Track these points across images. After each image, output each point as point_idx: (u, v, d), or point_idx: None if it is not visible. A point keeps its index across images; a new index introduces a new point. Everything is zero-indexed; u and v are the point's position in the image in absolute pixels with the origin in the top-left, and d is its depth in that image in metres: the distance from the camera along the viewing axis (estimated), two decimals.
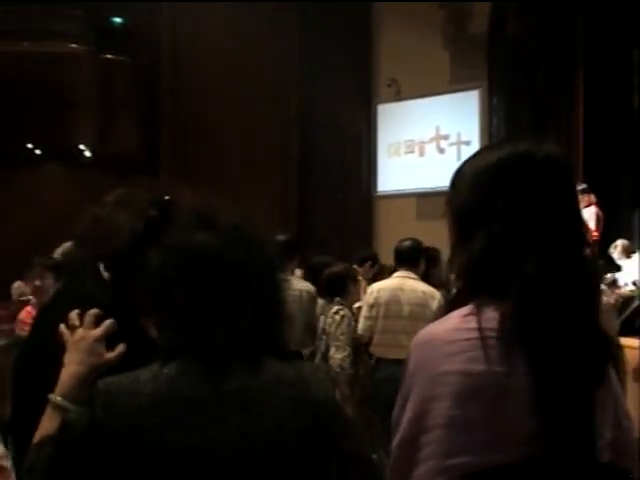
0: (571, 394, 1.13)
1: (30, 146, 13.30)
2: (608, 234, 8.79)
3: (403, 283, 5.01)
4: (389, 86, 12.35)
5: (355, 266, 6.26)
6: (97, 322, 1.54)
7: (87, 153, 13.57)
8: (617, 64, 10.56)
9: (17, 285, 9.05)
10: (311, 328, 5.03)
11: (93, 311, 1.54)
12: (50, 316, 1.81)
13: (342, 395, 4.23)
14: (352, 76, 12.55)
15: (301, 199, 13.05)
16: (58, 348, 1.53)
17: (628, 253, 8.15)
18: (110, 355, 1.50)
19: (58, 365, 1.51)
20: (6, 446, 1.66)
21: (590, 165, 9.69)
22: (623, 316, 6.45)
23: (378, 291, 5.05)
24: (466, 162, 1.29)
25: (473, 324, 1.15)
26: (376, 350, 5.00)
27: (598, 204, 8.78)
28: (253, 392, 1.31)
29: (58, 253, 4.30)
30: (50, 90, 12.61)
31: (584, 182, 8.42)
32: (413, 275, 5.04)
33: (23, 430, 1.49)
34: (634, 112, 10.60)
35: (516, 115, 10.62)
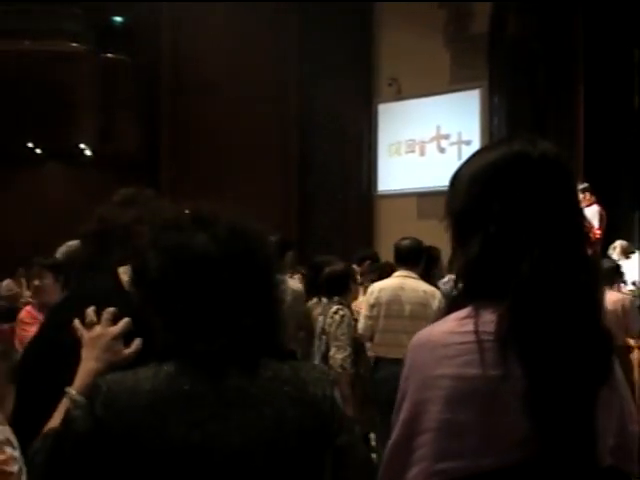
0: (567, 397, 1.11)
1: (30, 145, 13.31)
2: (608, 234, 8.80)
3: (404, 283, 5.00)
4: (390, 85, 12.36)
5: (354, 265, 6.26)
6: (114, 321, 1.55)
7: (87, 152, 13.58)
8: (617, 64, 10.56)
9: (6, 283, 9.06)
10: (299, 327, 5.10)
11: (110, 309, 1.55)
12: (63, 313, 1.82)
13: (343, 395, 4.22)
14: (352, 76, 12.55)
15: (301, 199, 13.05)
16: (71, 343, 1.55)
17: (627, 254, 8.16)
18: (127, 352, 1.51)
19: (70, 360, 1.52)
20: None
21: (591, 165, 9.70)
22: None
23: (379, 291, 5.04)
24: (464, 164, 1.28)
25: (469, 327, 1.14)
26: (377, 349, 4.99)
27: (600, 203, 8.79)
28: (252, 390, 1.31)
29: (60, 252, 4.28)
30: (50, 89, 12.62)
31: (585, 181, 8.43)
32: (414, 274, 5.03)
33: (26, 425, 1.50)
34: (634, 112, 10.61)
35: (516, 115, 10.63)
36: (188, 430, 1.26)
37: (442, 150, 12.00)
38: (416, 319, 4.80)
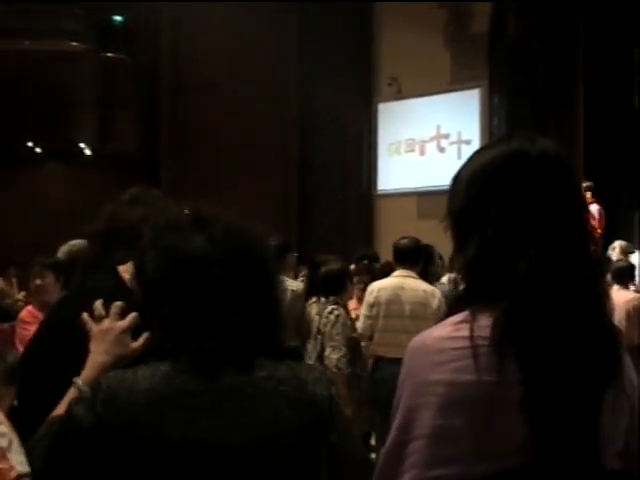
0: (567, 401, 1.08)
1: (30, 145, 13.30)
2: (608, 234, 8.81)
3: (403, 282, 5.00)
4: (390, 85, 12.36)
5: (353, 265, 6.26)
6: (121, 315, 1.57)
7: (87, 152, 13.57)
8: (617, 64, 10.57)
9: None
10: (298, 327, 5.17)
11: (118, 303, 1.57)
12: (63, 311, 1.82)
13: (339, 395, 4.21)
14: (352, 76, 12.56)
15: (301, 199, 13.05)
16: (72, 339, 1.56)
17: (626, 254, 8.15)
18: (135, 345, 1.53)
19: (71, 356, 1.54)
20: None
21: (590, 165, 9.69)
22: None
23: (378, 290, 5.04)
24: (464, 163, 1.26)
25: (465, 332, 1.12)
26: (377, 349, 5.00)
27: (600, 203, 8.80)
28: (247, 389, 1.32)
29: (62, 252, 4.28)
30: (50, 89, 12.62)
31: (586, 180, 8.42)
32: (413, 274, 5.03)
33: (29, 422, 1.51)
34: (634, 112, 10.61)
35: (516, 114, 10.64)
36: (184, 428, 1.27)
37: (442, 150, 12.00)
38: (416, 319, 4.80)
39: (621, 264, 6.33)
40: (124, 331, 1.53)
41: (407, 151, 12.49)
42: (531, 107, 10.54)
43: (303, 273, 6.41)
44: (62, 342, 1.69)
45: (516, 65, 10.63)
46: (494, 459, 1.08)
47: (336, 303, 4.87)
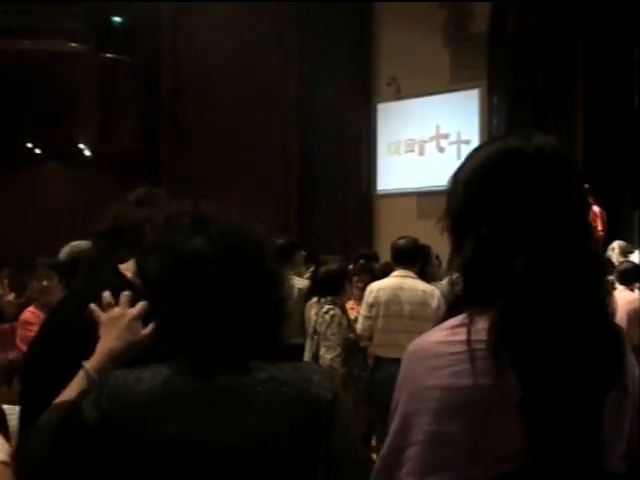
0: (566, 404, 1.06)
1: (30, 145, 13.30)
2: (608, 234, 8.79)
3: (403, 282, 5.00)
4: (389, 85, 12.35)
5: (351, 265, 6.27)
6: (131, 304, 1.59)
7: (87, 152, 13.57)
8: (617, 64, 10.56)
9: None
10: (301, 323, 5.23)
11: (127, 292, 1.59)
12: (64, 310, 1.83)
13: None
14: (352, 76, 12.55)
15: (301, 199, 13.05)
16: (84, 330, 1.56)
17: (626, 254, 8.15)
18: (145, 331, 1.54)
19: (81, 346, 1.54)
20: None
21: (590, 165, 9.69)
22: None
23: (377, 290, 5.04)
24: (462, 163, 1.24)
25: (462, 336, 1.10)
26: (376, 350, 5.00)
27: (600, 203, 8.79)
28: (244, 389, 1.33)
29: (64, 252, 4.28)
30: (50, 89, 12.61)
31: (585, 181, 8.40)
32: (412, 274, 5.03)
33: (33, 405, 1.52)
34: (634, 112, 10.60)
35: (516, 114, 10.63)
36: (181, 428, 1.28)
37: (441, 150, 12.00)
38: (415, 319, 4.81)
39: (627, 265, 6.34)
40: (135, 318, 1.55)
41: (406, 151, 12.49)
42: (531, 107, 10.53)
43: (310, 271, 6.43)
44: (66, 338, 1.70)
45: (516, 65, 10.62)
46: (491, 464, 1.07)
47: (333, 303, 4.87)
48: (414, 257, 5.09)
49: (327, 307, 4.84)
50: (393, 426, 1.14)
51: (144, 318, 1.55)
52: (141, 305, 1.55)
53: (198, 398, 1.31)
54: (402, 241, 5.12)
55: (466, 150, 10.76)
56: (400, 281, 5.02)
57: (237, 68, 12.54)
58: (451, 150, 11.75)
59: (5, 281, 8.48)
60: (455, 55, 11.63)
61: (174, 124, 13.39)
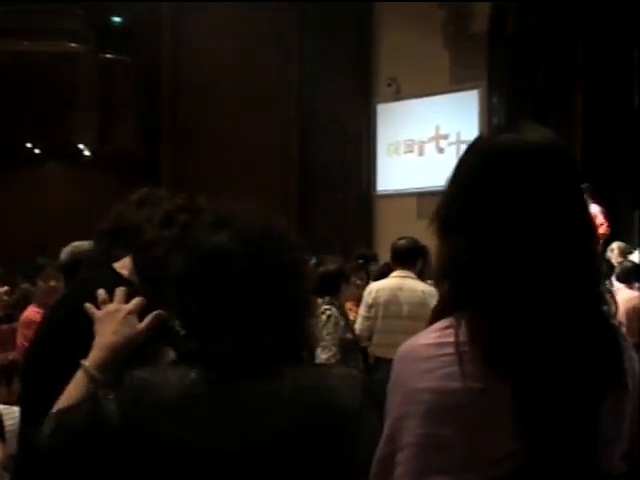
0: (557, 405, 1.04)
1: (30, 145, 13.30)
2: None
3: (402, 283, 5.00)
4: (389, 85, 12.35)
5: (349, 265, 6.28)
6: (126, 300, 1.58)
7: (87, 152, 13.58)
8: (617, 63, 10.55)
9: None
10: None
11: (122, 288, 1.57)
12: (68, 303, 1.83)
13: None
14: (352, 76, 12.55)
15: (301, 199, 13.04)
16: (82, 326, 1.56)
17: (625, 255, 8.15)
18: (142, 325, 1.52)
19: (81, 343, 1.53)
20: None
21: (590, 165, 9.69)
22: None
23: (377, 291, 5.05)
24: (457, 163, 1.23)
25: (451, 338, 1.08)
26: (376, 350, 5.00)
27: (599, 202, 8.80)
28: (268, 397, 1.29)
29: (65, 253, 4.28)
30: (50, 89, 12.62)
31: (584, 181, 8.41)
32: (412, 274, 5.03)
33: (34, 404, 1.52)
34: (634, 112, 10.60)
35: (516, 115, 10.62)
36: (202, 436, 1.26)
37: (441, 150, 12.00)
38: (415, 319, 4.81)
39: (627, 264, 6.35)
40: (131, 312, 1.53)
41: (406, 152, 12.48)
42: (531, 107, 10.53)
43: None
44: (66, 337, 1.70)
45: (516, 65, 10.62)
46: (484, 467, 1.05)
47: (331, 303, 4.87)
48: (414, 258, 5.10)
49: (324, 307, 4.85)
50: (385, 429, 1.12)
51: (140, 314, 1.54)
52: (137, 300, 1.54)
53: (220, 406, 1.28)
54: (402, 241, 5.13)
55: None
56: (400, 281, 5.03)
57: (237, 68, 12.55)
58: (451, 151, 11.74)
59: None
60: (455, 55, 11.63)
61: (174, 124, 13.40)
